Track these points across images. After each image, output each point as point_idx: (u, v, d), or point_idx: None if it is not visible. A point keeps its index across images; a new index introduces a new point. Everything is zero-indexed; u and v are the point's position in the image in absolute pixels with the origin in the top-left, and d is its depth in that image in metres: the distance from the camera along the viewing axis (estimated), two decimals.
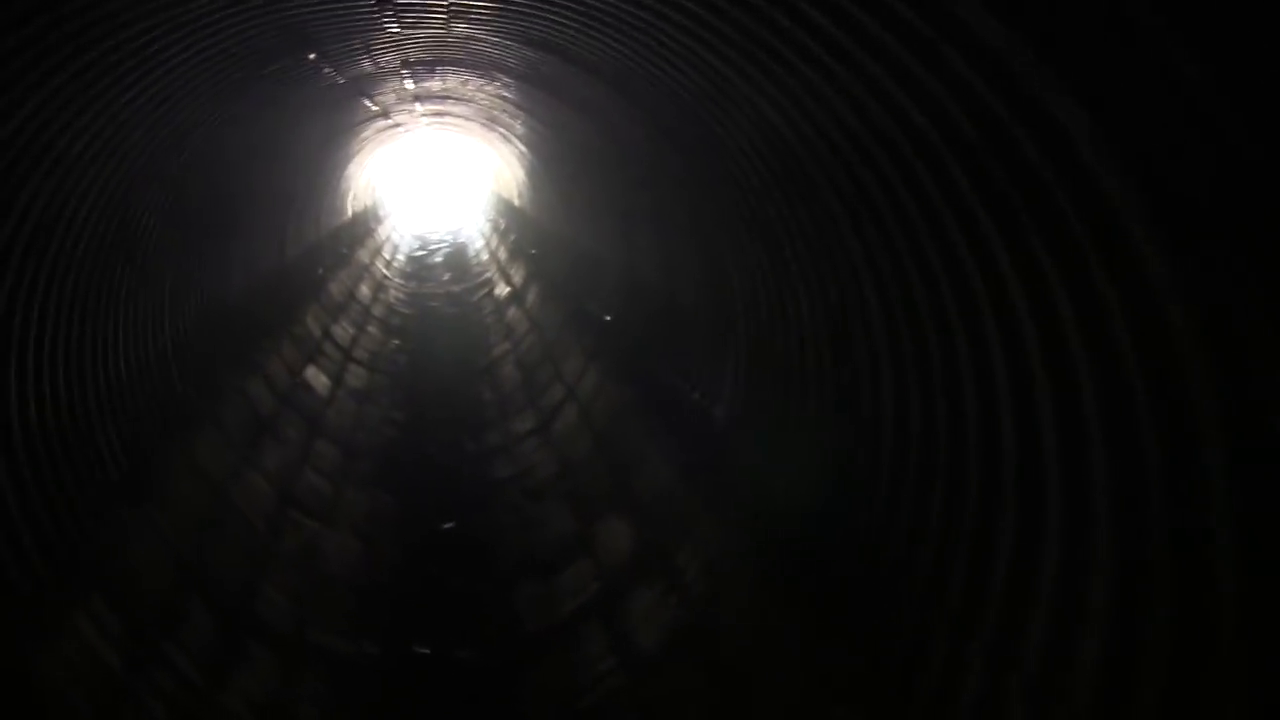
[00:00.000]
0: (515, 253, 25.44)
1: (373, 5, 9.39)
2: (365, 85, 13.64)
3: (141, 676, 6.76)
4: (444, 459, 13.75)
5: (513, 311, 21.08)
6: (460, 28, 10.31)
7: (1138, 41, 3.03)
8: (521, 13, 8.96)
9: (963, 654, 4.75)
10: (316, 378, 15.39)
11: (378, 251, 28.64)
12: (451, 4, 9.42)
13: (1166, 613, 3.44)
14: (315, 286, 19.85)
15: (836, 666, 5.89)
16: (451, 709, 7.98)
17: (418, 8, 9.59)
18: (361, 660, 8.52)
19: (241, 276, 14.39)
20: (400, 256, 30.89)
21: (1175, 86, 2.94)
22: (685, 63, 7.71)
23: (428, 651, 8.70)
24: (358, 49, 10.94)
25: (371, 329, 20.91)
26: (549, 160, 18.11)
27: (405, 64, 12.56)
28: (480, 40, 10.89)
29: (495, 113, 17.45)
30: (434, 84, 14.71)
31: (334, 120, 15.88)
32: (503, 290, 23.69)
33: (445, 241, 34.42)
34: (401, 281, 27.24)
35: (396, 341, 20.84)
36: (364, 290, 23.46)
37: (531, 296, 20.51)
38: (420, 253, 32.56)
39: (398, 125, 20.92)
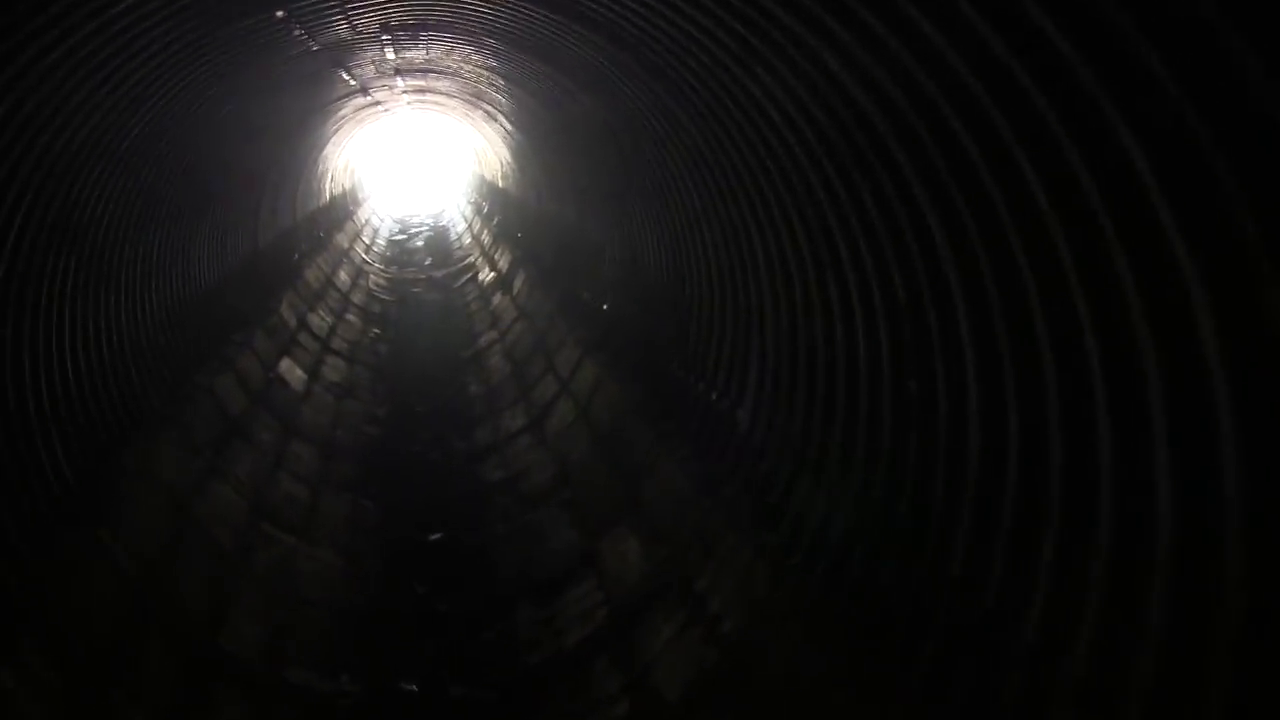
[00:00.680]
0: (500, 236, 24.48)
1: None
2: (341, 55, 12.57)
3: None
4: (430, 459, 12.76)
5: (499, 298, 20.08)
6: None
7: None
8: None
9: None
10: (292, 372, 14.36)
11: (357, 235, 27.70)
12: None
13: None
14: (291, 273, 18.84)
15: None
16: None
17: None
18: (341, 700, 7.53)
19: (211, 264, 13.35)
20: (380, 241, 29.97)
21: None
22: (704, 11, 6.72)
23: (415, 688, 7.72)
24: (333, 8, 9.87)
25: (350, 317, 19.90)
26: (537, 137, 17.02)
27: (385, 28, 11.48)
28: None
29: (481, 87, 16.38)
30: (417, 53, 13.63)
31: (309, 96, 14.81)
32: (487, 275, 22.73)
33: (426, 225, 33.68)
34: (381, 267, 26.28)
35: (377, 330, 19.84)
36: (343, 276, 22.46)
37: (519, 282, 19.50)
38: (400, 236, 31.72)
39: (378, 104, 19.90)
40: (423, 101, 20.83)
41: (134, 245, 9.80)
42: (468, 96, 18.49)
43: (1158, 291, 3.47)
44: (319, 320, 17.88)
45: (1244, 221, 3.00)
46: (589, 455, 10.55)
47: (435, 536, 10.27)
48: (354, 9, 10.15)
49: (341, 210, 27.76)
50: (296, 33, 10.07)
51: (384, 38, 12.03)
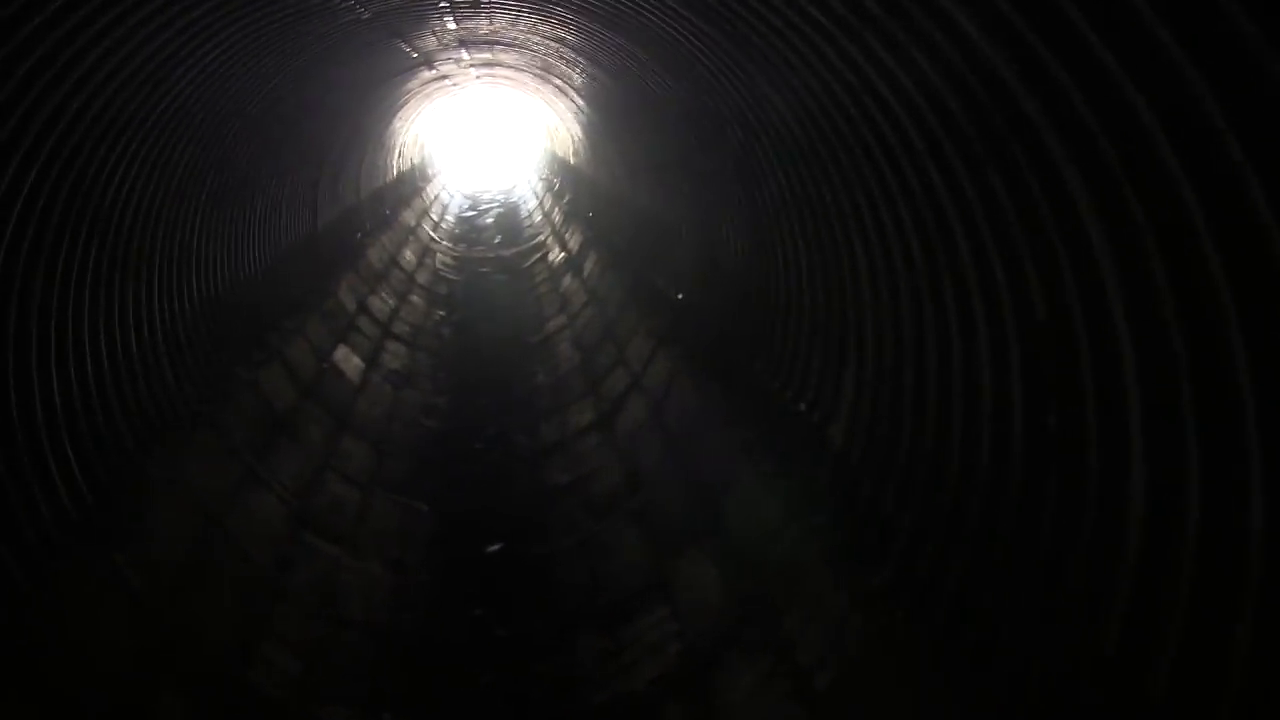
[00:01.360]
0: (571, 215, 23.65)
1: None
2: (398, 23, 11.70)
3: None
4: (491, 457, 11.93)
5: (569, 280, 19.22)
6: None
7: None
8: None
9: None
10: (348, 360, 13.58)
11: (425, 212, 26.99)
12: None
13: None
14: (353, 253, 18.08)
15: None
16: None
17: None
18: None
19: (261, 247, 12.58)
20: (449, 217, 29.27)
21: None
22: None
23: None
24: None
25: (414, 298, 19.14)
26: (610, 114, 16.08)
27: None
28: None
29: (551, 60, 15.46)
30: (479, 23, 12.74)
31: (368, 69, 13.97)
32: (557, 256, 21.89)
33: (497, 201, 33.03)
34: (449, 245, 25.53)
35: (441, 312, 19.06)
36: (408, 256, 21.72)
37: (590, 265, 18.63)
38: (470, 213, 31.04)
39: (445, 78, 19.09)
40: (491, 75, 20.01)
41: (168, 230, 9.01)
42: (537, 70, 17.61)
43: None
44: (380, 303, 17.12)
45: None
46: (661, 460, 9.66)
47: (494, 548, 9.45)
48: None
49: (410, 186, 27.07)
50: (350, 2, 9.23)
51: (441, 4, 11.13)
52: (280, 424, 10.23)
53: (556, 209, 26.11)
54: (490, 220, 30.12)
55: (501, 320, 18.35)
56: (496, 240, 26.77)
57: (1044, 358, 4.42)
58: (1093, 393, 4.08)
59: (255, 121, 10.67)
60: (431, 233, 25.73)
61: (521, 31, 13.17)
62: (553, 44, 13.57)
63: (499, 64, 17.64)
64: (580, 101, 18.12)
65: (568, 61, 14.71)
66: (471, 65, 17.81)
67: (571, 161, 25.30)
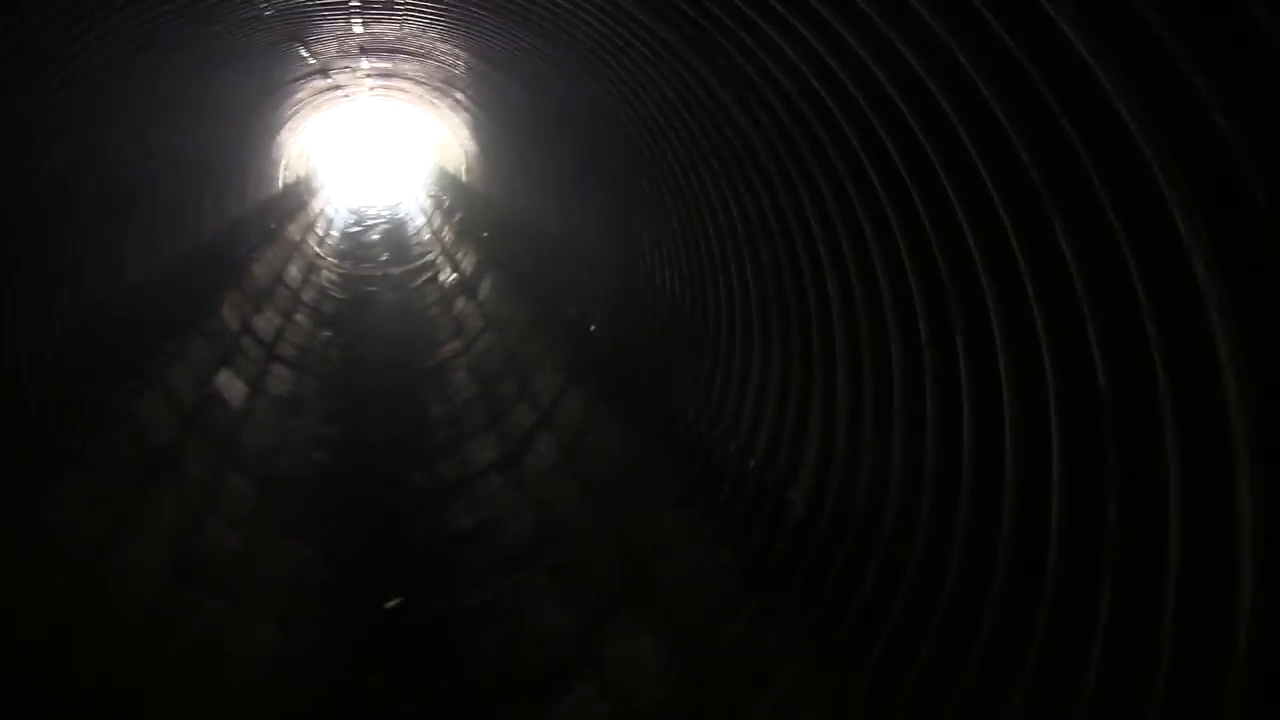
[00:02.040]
0: (463, 234, 22.85)
1: None
2: (301, 26, 10.81)
3: None
4: (387, 496, 11.02)
5: (462, 303, 18.36)
6: None
7: None
8: None
9: None
10: (231, 385, 12.62)
11: (310, 227, 26.05)
12: None
13: None
14: (237, 269, 17.09)
15: None
16: None
17: None
18: None
19: (143, 262, 11.60)
20: (334, 233, 28.37)
21: None
22: None
23: None
24: None
25: (300, 318, 18.17)
26: (516, 126, 15.20)
27: None
28: None
29: (456, 72, 14.62)
30: (389, 28, 11.85)
31: (263, 75, 13.05)
32: (449, 277, 21.06)
33: (383, 217, 32.40)
34: (335, 261, 24.59)
35: (328, 333, 18.11)
36: (293, 272, 20.75)
37: (485, 288, 17.79)
38: (356, 229, 30.24)
39: (338, 88, 18.22)
40: (386, 87, 19.21)
41: (35, 241, 8.06)
42: (437, 83, 16.78)
43: None
44: (265, 323, 16.15)
45: None
46: (579, 511, 8.86)
47: (392, 604, 8.57)
48: None
49: (295, 200, 26.16)
50: None
51: (352, 4, 10.22)
52: (157, 460, 9.27)
53: (446, 227, 25.31)
54: (377, 236, 29.29)
55: (392, 343, 17.43)
56: (384, 258, 25.89)
57: (1096, 437, 3.70)
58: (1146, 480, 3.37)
59: (137, 124, 9.71)
60: (317, 248, 24.78)
61: (430, 39, 12.32)
62: (461, 52, 12.72)
63: (398, 74, 16.80)
64: (482, 114, 17.30)
65: (473, 71, 13.88)
66: (369, 75, 16.96)
67: (464, 179, 24.54)
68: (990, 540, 4.33)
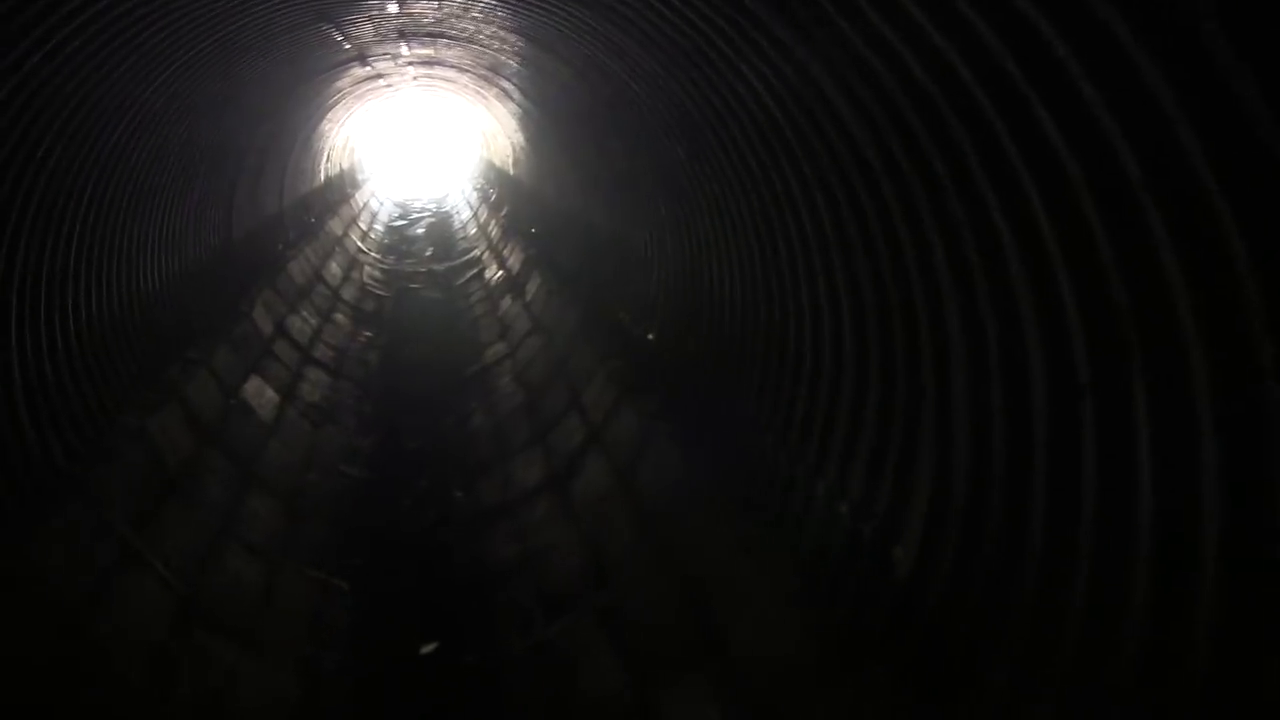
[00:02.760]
0: (510, 230, 21.97)
1: None
2: (330, 6, 9.90)
3: None
4: (423, 519, 10.14)
5: (509, 303, 17.47)
6: None
7: None
8: None
9: None
10: (260, 394, 11.77)
11: (353, 221, 25.30)
12: None
13: None
14: (272, 267, 16.25)
15: None
16: None
17: None
18: None
19: (165, 261, 10.75)
20: (378, 227, 27.63)
21: None
22: None
23: None
24: None
25: (339, 317, 17.35)
26: (566, 117, 14.23)
27: None
28: None
29: (501, 57, 13.68)
30: (426, 10, 10.93)
31: (294, 59, 12.15)
32: (495, 274, 20.19)
33: (429, 211, 31.73)
34: (378, 257, 23.80)
35: (368, 333, 17.28)
36: (333, 268, 19.95)
37: (533, 288, 16.88)
38: (400, 223, 29.56)
39: (380, 77, 17.35)
40: (430, 77, 18.34)
41: (36, 245, 7.21)
42: (482, 70, 15.86)
43: None
44: (301, 324, 15.31)
45: None
46: (634, 546, 7.91)
47: (428, 649, 7.69)
48: None
49: (338, 192, 25.42)
50: None
51: None
52: (171, 483, 8.41)
53: (493, 222, 24.47)
54: (421, 231, 28.55)
55: (434, 345, 16.60)
56: (428, 253, 25.11)
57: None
58: None
59: (153, 117, 8.85)
60: (359, 243, 24.00)
61: (473, 21, 11.38)
62: (506, 35, 11.77)
63: (440, 62, 15.90)
64: (530, 104, 16.38)
65: (522, 58, 12.95)
66: (410, 63, 16.08)
67: (511, 171, 23.68)
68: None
